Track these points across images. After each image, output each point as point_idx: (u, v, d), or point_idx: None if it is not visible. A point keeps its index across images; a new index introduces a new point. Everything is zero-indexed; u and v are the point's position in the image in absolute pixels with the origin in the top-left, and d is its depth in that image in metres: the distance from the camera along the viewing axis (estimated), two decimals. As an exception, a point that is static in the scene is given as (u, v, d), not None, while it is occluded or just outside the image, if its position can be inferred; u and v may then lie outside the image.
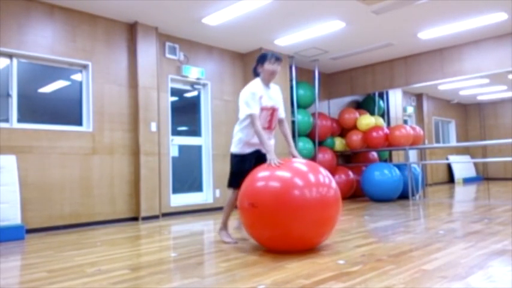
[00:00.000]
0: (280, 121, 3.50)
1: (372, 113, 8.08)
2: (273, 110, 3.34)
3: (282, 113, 3.49)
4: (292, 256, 2.83)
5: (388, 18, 5.48)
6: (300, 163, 3.06)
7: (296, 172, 2.92)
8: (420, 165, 7.36)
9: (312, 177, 2.90)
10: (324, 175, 2.98)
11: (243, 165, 3.31)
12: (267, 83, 3.35)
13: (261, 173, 3.02)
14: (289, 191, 2.80)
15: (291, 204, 2.77)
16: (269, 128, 3.36)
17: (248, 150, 3.36)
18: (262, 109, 3.26)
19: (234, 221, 3.85)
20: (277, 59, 3.31)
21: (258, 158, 3.32)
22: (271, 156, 3.06)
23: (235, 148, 3.39)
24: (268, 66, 3.28)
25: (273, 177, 2.92)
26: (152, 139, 5.41)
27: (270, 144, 3.22)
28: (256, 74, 3.41)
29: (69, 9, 4.89)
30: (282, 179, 2.88)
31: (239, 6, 4.90)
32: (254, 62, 3.47)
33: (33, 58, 4.69)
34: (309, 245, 2.99)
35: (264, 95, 3.28)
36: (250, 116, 3.21)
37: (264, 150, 3.24)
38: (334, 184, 3.00)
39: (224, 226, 3.55)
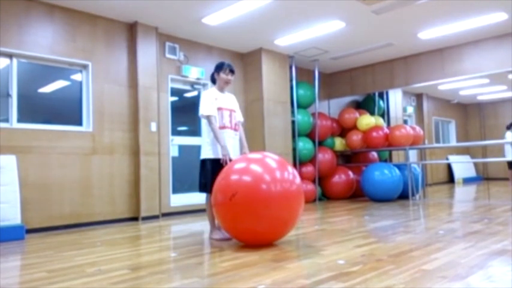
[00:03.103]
0: (237, 123, 3.80)
1: (372, 113, 8.08)
2: (231, 111, 3.70)
3: (239, 117, 3.82)
4: (292, 256, 2.83)
5: (388, 18, 5.48)
6: (271, 159, 3.26)
7: (265, 169, 3.15)
8: (420, 165, 7.36)
9: (278, 174, 3.15)
10: (290, 172, 3.22)
11: (218, 168, 3.45)
12: (221, 89, 3.73)
13: (233, 168, 3.22)
14: (258, 185, 3.04)
15: (260, 198, 3.01)
16: (231, 127, 3.67)
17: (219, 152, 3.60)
18: (221, 109, 3.62)
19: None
20: (231, 70, 3.69)
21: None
22: (224, 151, 3.44)
23: (208, 152, 3.60)
24: (223, 75, 3.67)
25: (245, 173, 3.13)
26: (152, 139, 5.41)
27: (224, 140, 3.50)
28: (213, 80, 3.79)
29: (69, 9, 4.89)
30: (253, 175, 3.10)
31: (239, 6, 4.90)
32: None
33: (33, 58, 4.69)
34: (277, 234, 3.22)
35: (219, 98, 3.65)
36: (207, 117, 3.55)
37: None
38: (298, 180, 3.24)
39: (213, 227, 3.71)
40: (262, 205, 3.01)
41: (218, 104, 3.61)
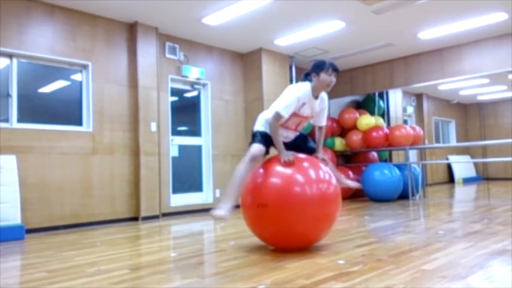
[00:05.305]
0: (319, 128, 3.37)
1: (372, 113, 8.08)
2: (305, 119, 3.18)
3: (323, 121, 3.33)
4: (292, 256, 2.83)
5: (388, 18, 5.48)
6: (305, 161, 3.02)
7: (297, 169, 2.92)
8: (420, 165, 7.35)
9: (312, 174, 2.92)
10: (324, 171, 3.00)
11: (267, 140, 3.10)
12: (317, 93, 3.10)
13: (263, 171, 3.01)
14: (291, 187, 2.84)
15: (293, 201, 2.81)
16: (289, 128, 3.20)
17: None
18: (297, 115, 3.09)
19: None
20: (335, 69, 3.03)
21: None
22: (284, 154, 2.94)
23: (262, 127, 3.15)
24: (324, 76, 3.00)
25: (275, 175, 2.93)
26: (152, 139, 5.41)
27: (282, 145, 3.03)
28: (306, 78, 3.15)
29: (69, 9, 4.89)
30: (283, 176, 2.90)
31: (239, 6, 4.90)
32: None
33: (33, 58, 4.69)
34: (311, 240, 3.03)
35: (307, 104, 3.07)
36: (278, 114, 3.00)
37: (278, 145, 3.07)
38: (334, 180, 3.03)
39: (232, 200, 2.93)
40: (296, 210, 2.79)
41: (301, 110, 3.07)
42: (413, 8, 5.16)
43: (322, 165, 3.06)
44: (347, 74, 8.16)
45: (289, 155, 2.94)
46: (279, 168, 2.93)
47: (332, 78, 3.02)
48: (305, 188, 2.84)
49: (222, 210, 2.83)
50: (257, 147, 3.03)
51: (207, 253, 3.12)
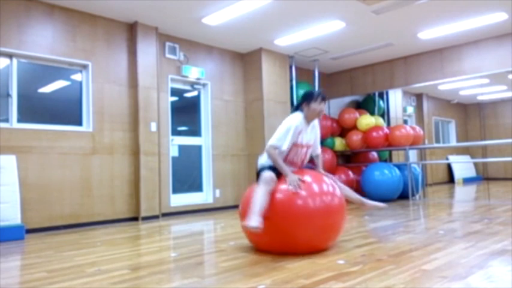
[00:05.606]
0: (316, 156, 3.52)
1: (372, 113, 8.07)
2: (307, 148, 3.32)
3: (317, 149, 3.50)
4: (292, 256, 2.83)
5: (388, 18, 5.48)
6: (308, 176, 3.05)
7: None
8: (420, 165, 7.35)
9: (315, 187, 2.96)
10: (328, 184, 3.05)
11: (274, 170, 3.10)
12: (309, 121, 3.30)
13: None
14: (293, 200, 2.86)
15: (295, 213, 2.83)
16: (297, 165, 3.28)
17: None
18: (298, 145, 3.21)
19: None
20: (323, 98, 3.26)
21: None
22: (291, 178, 2.97)
23: (266, 162, 3.19)
24: (314, 105, 3.22)
25: (277, 188, 2.96)
26: (152, 139, 5.41)
27: (286, 168, 3.08)
28: (298, 109, 3.34)
29: (69, 9, 4.89)
30: (284, 191, 2.92)
31: (239, 6, 4.90)
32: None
33: (33, 58, 4.69)
34: (315, 250, 3.02)
35: (303, 132, 3.23)
36: (275, 147, 3.12)
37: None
38: (338, 192, 3.07)
39: (259, 215, 2.83)
40: (298, 223, 2.82)
41: (299, 139, 3.20)
42: (413, 8, 5.16)
43: (326, 179, 3.11)
44: (347, 74, 8.16)
45: (295, 180, 2.95)
46: (281, 183, 2.97)
47: (322, 107, 3.25)
48: (307, 201, 2.87)
49: (254, 222, 2.75)
50: (267, 173, 3.03)
51: (207, 253, 3.12)
